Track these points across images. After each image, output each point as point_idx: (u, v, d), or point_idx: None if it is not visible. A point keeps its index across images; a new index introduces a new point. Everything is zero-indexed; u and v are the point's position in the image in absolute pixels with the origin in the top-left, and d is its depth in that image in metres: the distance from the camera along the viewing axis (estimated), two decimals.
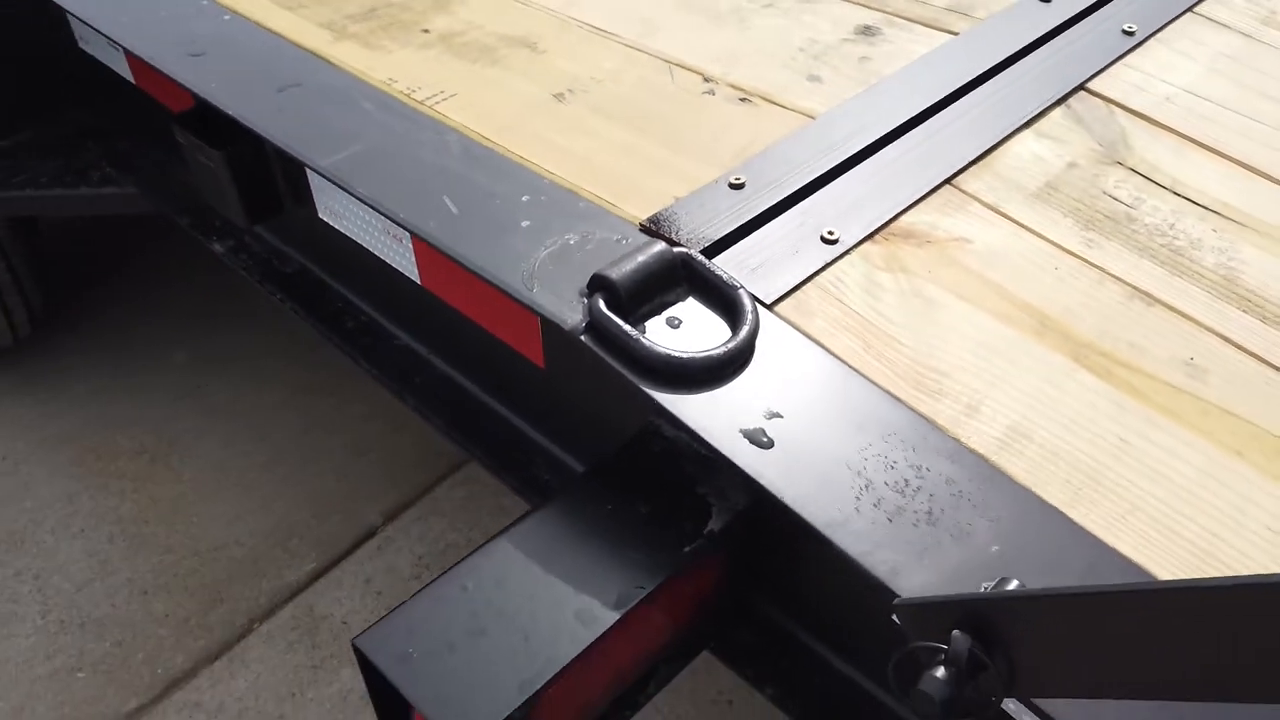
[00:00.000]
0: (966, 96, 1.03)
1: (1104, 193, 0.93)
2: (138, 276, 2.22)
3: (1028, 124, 1.00)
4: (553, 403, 0.99)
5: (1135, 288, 0.84)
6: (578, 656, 0.69)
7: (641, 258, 0.78)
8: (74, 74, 1.41)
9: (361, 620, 1.62)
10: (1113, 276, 0.85)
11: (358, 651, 0.71)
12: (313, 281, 1.25)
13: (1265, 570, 0.67)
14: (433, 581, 0.74)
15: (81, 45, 1.30)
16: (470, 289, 0.90)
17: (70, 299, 2.11)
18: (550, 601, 0.72)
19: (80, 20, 1.20)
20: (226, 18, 1.17)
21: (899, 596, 0.63)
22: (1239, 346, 0.81)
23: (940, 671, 0.57)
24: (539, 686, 0.67)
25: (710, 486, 0.78)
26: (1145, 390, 0.76)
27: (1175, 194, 0.94)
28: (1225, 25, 1.17)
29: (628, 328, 0.74)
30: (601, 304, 0.75)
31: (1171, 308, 0.83)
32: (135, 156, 1.49)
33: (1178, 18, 1.16)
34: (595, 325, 0.75)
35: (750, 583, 0.84)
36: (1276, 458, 0.73)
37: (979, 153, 0.95)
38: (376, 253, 1.03)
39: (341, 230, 1.09)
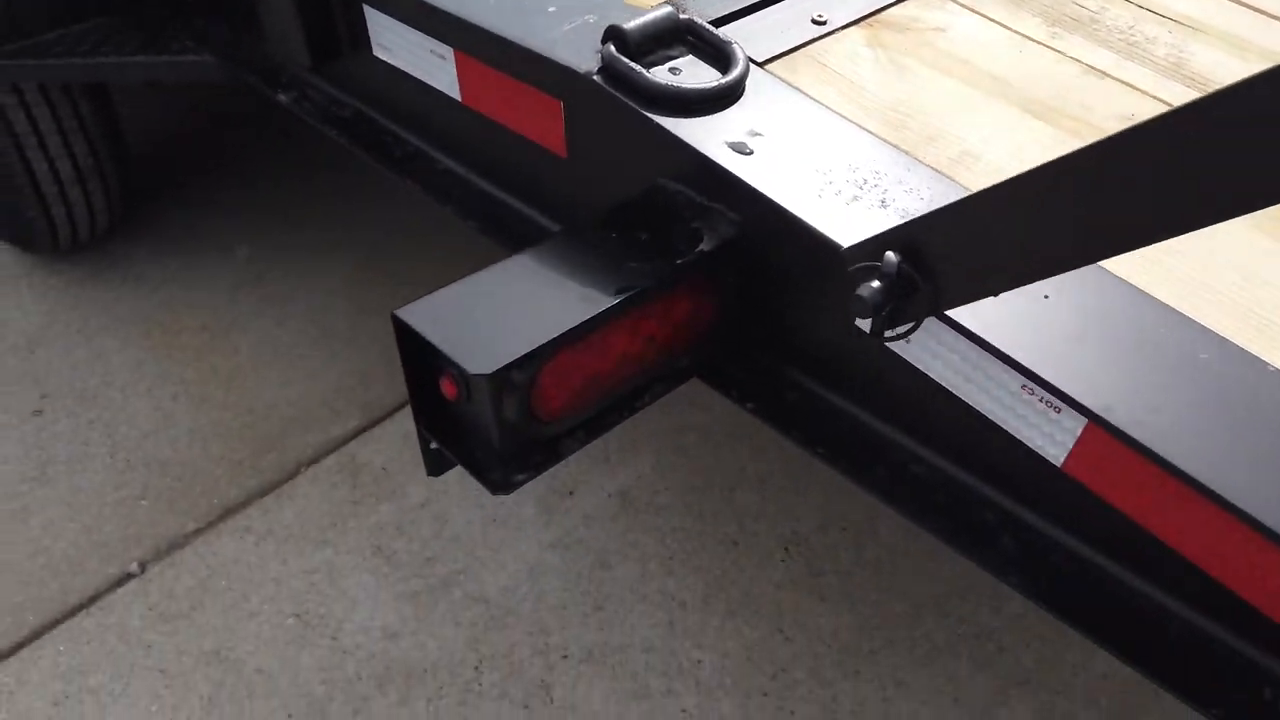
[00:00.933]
0: None
1: (1073, 1, 1.03)
2: (207, 179, 2.39)
3: None
4: (572, 195, 1.11)
5: (1091, 66, 0.94)
6: (577, 326, 0.81)
7: (650, 16, 0.90)
8: None
9: (399, 466, 1.76)
10: (1071, 59, 0.95)
11: (396, 322, 0.84)
12: (366, 121, 1.39)
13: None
14: (449, 291, 0.87)
15: None
16: (501, 93, 1.04)
17: (144, 197, 2.28)
18: (560, 291, 0.84)
19: None
20: None
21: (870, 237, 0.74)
22: None
23: (875, 283, 0.68)
24: (543, 342, 0.80)
25: (704, 222, 0.90)
26: (1086, 135, 0.86)
27: (1139, 6, 1.04)
28: None
29: (634, 65, 0.86)
30: (613, 48, 0.88)
31: (1122, 81, 0.93)
32: (210, 32, 1.65)
33: None
34: (607, 67, 0.88)
35: (736, 324, 0.96)
36: None
37: None
38: (423, 78, 1.17)
39: (393, 63, 1.23)
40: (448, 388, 0.83)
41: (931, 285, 0.67)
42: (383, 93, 1.35)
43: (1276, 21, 1.04)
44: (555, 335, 0.80)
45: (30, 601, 1.55)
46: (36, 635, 1.51)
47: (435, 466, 0.93)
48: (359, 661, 1.48)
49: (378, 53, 1.26)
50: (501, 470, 0.85)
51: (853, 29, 0.97)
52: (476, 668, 1.47)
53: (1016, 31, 0.98)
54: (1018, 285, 0.64)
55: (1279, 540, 0.60)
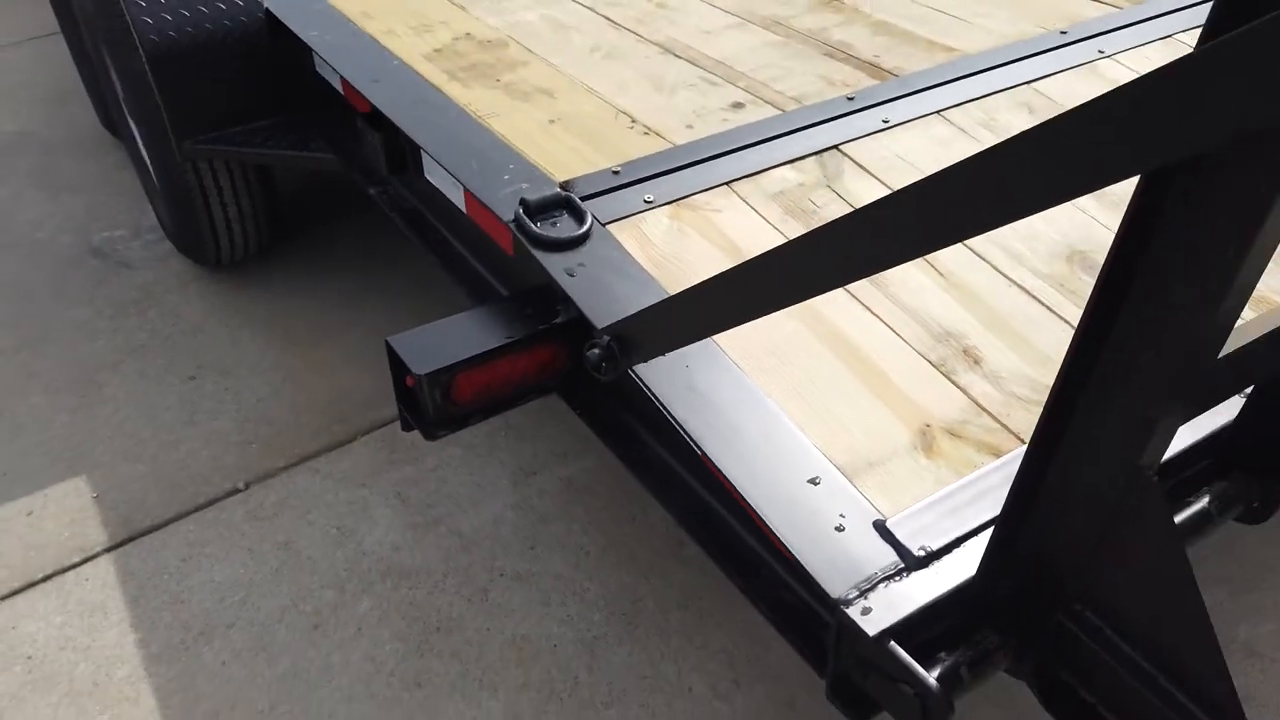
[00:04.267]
0: (767, 143, 1.85)
1: (809, 199, 1.74)
2: (332, 228, 3.27)
3: (790, 162, 1.82)
4: (513, 273, 1.86)
5: None
6: (480, 354, 1.55)
7: (548, 193, 1.65)
8: (311, 84, 2.41)
9: (423, 442, 2.53)
10: (785, 236, 1.66)
11: (387, 344, 1.60)
12: (417, 214, 2.19)
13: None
14: (418, 329, 1.62)
15: (317, 69, 2.30)
16: (481, 212, 1.80)
17: (286, 233, 3.16)
18: (479, 332, 1.59)
19: (317, 54, 2.19)
20: (394, 63, 2.14)
21: (602, 327, 1.45)
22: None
23: (596, 350, 1.41)
24: (459, 360, 1.54)
25: (563, 306, 1.63)
26: None
27: (850, 205, 1.73)
28: (954, 123, 1.95)
29: (527, 219, 1.61)
30: (520, 211, 1.63)
31: None
32: (336, 138, 2.48)
33: (924, 116, 1.95)
34: (517, 220, 1.63)
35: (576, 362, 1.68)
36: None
37: (754, 170, 1.78)
38: (448, 194, 1.94)
39: (434, 183, 2.01)
40: (408, 381, 1.59)
41: (625, 353, 1.39)
42: (429, 198, 2.13)
43: None
44: (466, 357, 1.55)
45: (175, 500, 2.39)
46: (177, 519, 2.35)
47: (405, 425, 1.69)
48: (371, 560, 2.25)
49: (427, 176, 2.05)
50: (432, 428, 1.60)
51: (666, 207, 1.69)
52: (444, 575, 2.22)
53: (763, 217, 1.68)
54: (665, 353, 1.35)
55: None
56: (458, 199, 1.87)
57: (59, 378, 2.74)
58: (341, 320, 2.94)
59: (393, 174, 2.15)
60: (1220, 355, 0.97)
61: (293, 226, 3.25)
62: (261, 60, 2.39)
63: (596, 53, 2.18)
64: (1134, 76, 0.67)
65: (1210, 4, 0.74)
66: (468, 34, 2.24)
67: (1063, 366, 0.93)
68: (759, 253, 1.07)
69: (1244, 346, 1.01)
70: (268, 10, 2.33)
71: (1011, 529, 1.06)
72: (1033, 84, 2.05)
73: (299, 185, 3.42)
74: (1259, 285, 0.84)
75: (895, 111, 1.95)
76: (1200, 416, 1.34)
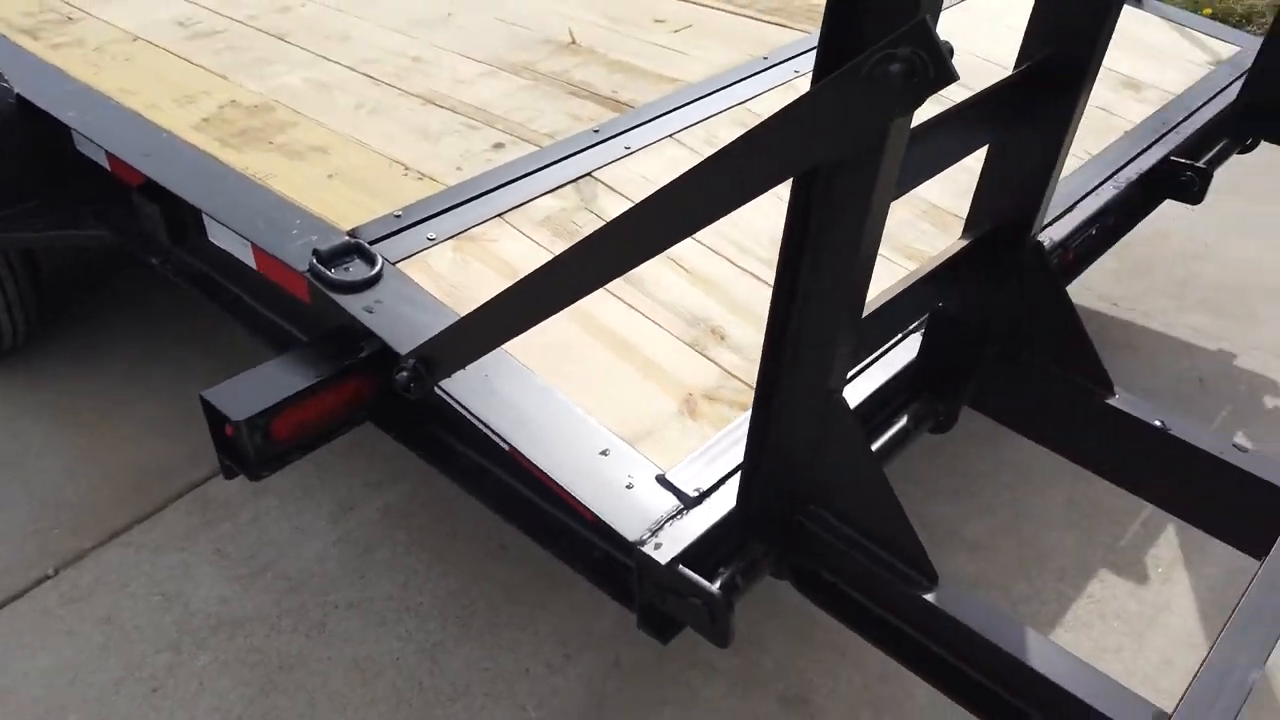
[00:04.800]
0: (529, 176, 2.10)
1: (572, 221, 2.00)
2: (101, 306, 3.22)
3: (551, 191, 2.07)
4: (313, 319, 2.01)
5: None
6: (292, 395, 1.70)
7: (337, 241, 1.82)
8: (73, 164, 2.43)
9: (237, 498, 2.59)
10: (550, 252, 1.91)
11: (202, 398, 1.71)
12: (204, 277, 2.27)
13: None
14: (230, 381, 1.74)
15: (79, 148, 2.33)
16: (274, 266, 1.93)
17: (54, 318, 3.10)
18: (289, 375, 1.73)
19: (78, 134, 2.24)
20: (163, 135, 2.22)
21: (405, 353, 1.64)
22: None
23: (404, 373, 1.59)
24: (272, 403, 1.68)
25: (366, 342, 1.80)
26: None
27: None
28: (685, 144, 2.28)
29: (321, 267, 1.77)
30: (314, 260, 1.79)
31: None
32: (106, 213, 2.50)
33: (659, 140, 2.26)
34: (312, 268, 1.79)
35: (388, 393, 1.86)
36: None
37: (521, 201, 2.03)
38: (237, 254, 2.06)
39: (219, 245, 2.12)
40: (228, 430, 1.70)
41: (430, 372, 1.59)
42: (217, 261, 2.22)
43: None
44: (280, 399, 1.69)
45: None
46: None
47: (228, 473, 1.80)
48: (201, 618, 2.30)
49: (213, 239, 2.15)
50: (256, 470, 1.72)
51: (448, 242, 1.90)
52: (279, 617, 2.31)
53: (534, 240, 1.93)
54: (464, 366, 1.55)
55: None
56: (248, 258, 1.99)
57: None
58: (129, 394, 2.93)
59: (175, 243, 2.22)
60: (868, 311, 1.30)
61: (63, 307, 3.19)
62: (16, 145, 2.39)
63: (362, 109, 2.35)
64: None
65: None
66: (233, 101, 2.36)
67: (767, 327, 1.22)
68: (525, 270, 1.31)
69: (884, 304, 1.36)
70: (19, 95, 2.35)
71: (753, 457, 1.35)
72: (745, 104, 2.42)
73: (65, 264, 3.34)
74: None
75: (634, 139, 2.25)
76: (890, 357, 1.71)
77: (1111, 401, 1.57)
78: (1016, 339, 1.61)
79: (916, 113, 0.98)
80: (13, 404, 2.90)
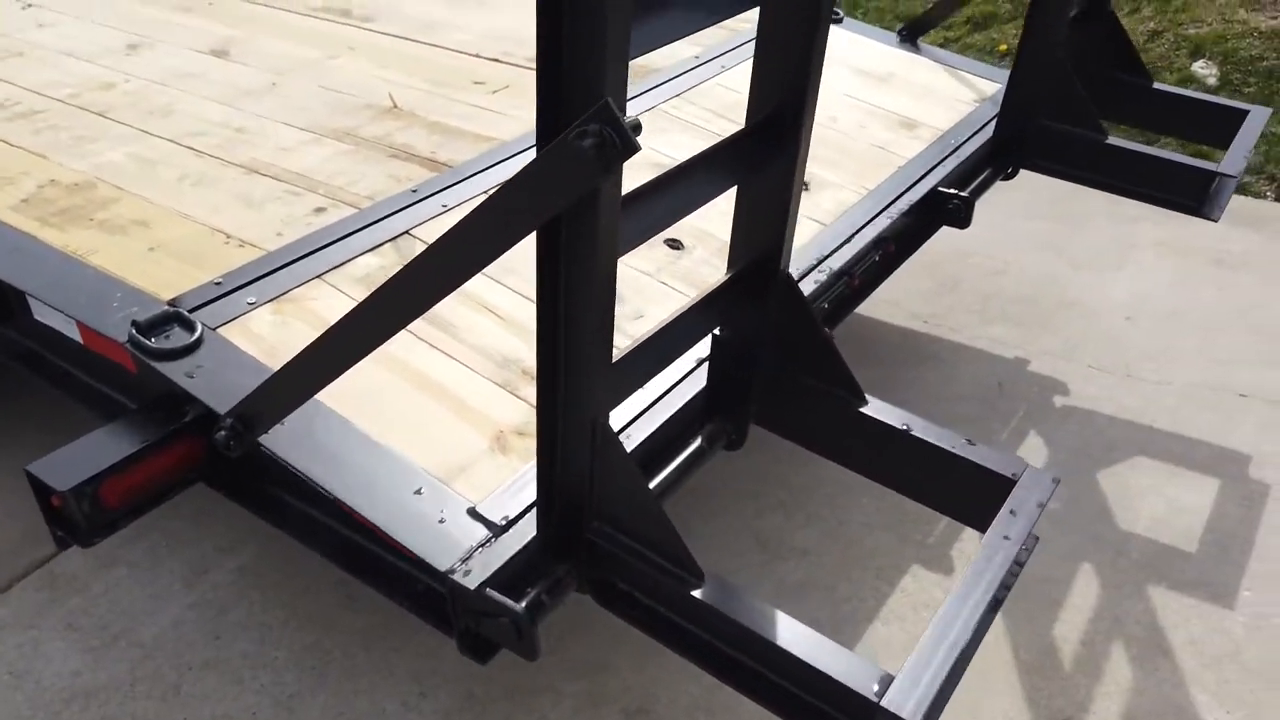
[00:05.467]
0: (349, 237, 2.23)
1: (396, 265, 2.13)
2: None
3: (370, 250, 2.20)
4: (141, 387, 2.07)
5: None
6: (117, 462, 1.77)
7: (156, 311, 1.91)
8: None
9: (87, 572, 2.60)
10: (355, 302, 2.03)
11: (27, 472, 1.76)
12: (34, 353, 2.31)
13: None
14: (55, 453, 1.80)
15: None
16: (96, 339, 2.00)
17: None
18: (116, 442, 1.79)
19: None
20: None
21: (226, 414, 1.74)
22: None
23: (223, 433, 1.69)
24: (97, 471, 1.74)
25: (191, 406, 1.88)
26: None
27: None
28: None
29: (140, 337, 1.85)
30: (133, 331, 1.87)
31: None
32: None
33: (474, 197, 2.42)
34: (132, 339, 1.87)
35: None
36: None
37: (341, 261, 2.15)
38: (63, 331, 2.11)
39: (45, 321, 2.16)
40: (55, 501, 1.76)
41: (249, 429, 1.69)
42: (43, 338, 2.26)
43: None
44: (105, 467, 1.75)
45: None
46: None
47: (60, 544, 1.85)
48: (53, 692, 2.31)
49: (37, 317, 2.19)
50: (86, 538, 1.78)
51: (268, 304, 2.01)
52: (132, 684, 2.33)
53: (352, 299, 2.05)
54: (281, 419, 1.66)
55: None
56: (73, 333, 2.06)
57: None
58: None
59: (2, 323, 2.26)
60: (649, 336, 1.48)
61: None
62: None
63: (186, 181, 2.44)
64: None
65: None
66: (52, 181, 2.41)
67: (538, 362, 1.38)
68: None
69: (661, 329, 1.54)
70: None
71: (544, 483, 1.51)
72: None
73: None
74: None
75: (451, 196, 2.40)
76: (684, 385, 1.90)
77: (864, 410, 1.78)
78: (780, 360, 1.82)
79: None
80: None
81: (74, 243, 2.17)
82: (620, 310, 1.94)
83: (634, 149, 1.08)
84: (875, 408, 1.79)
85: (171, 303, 1.97)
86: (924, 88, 3.26)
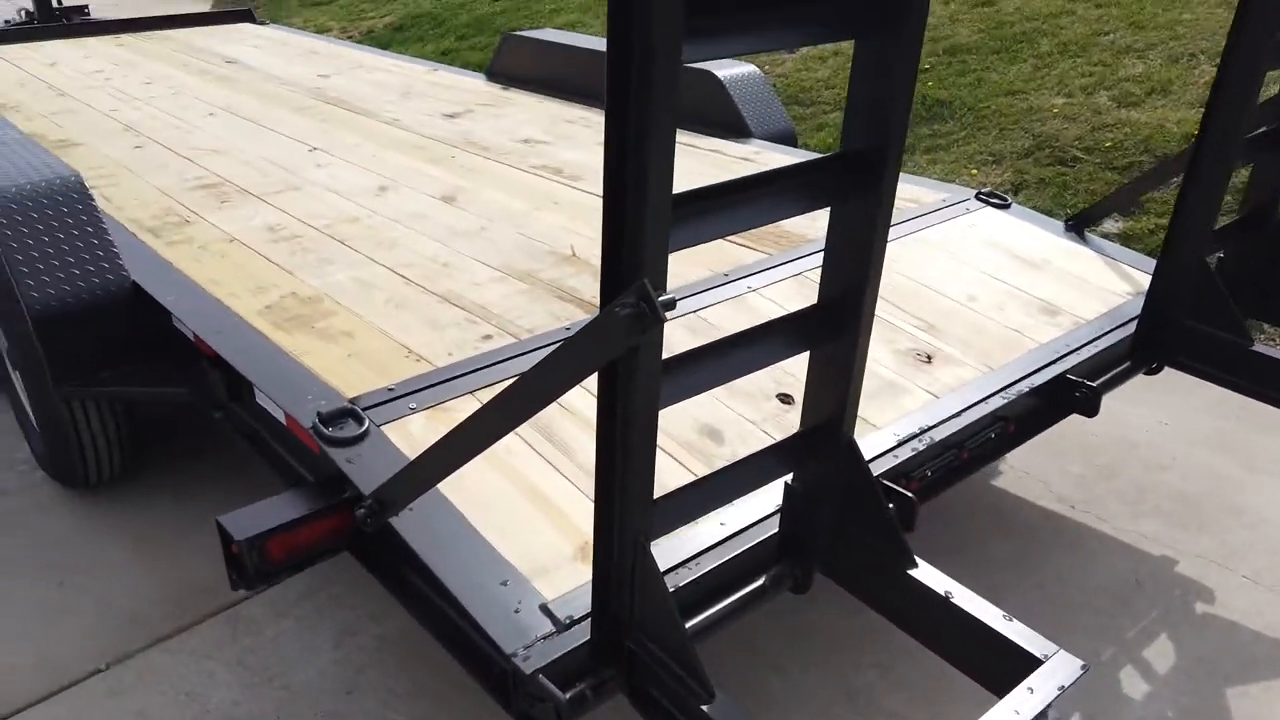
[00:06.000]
0: (504, 362, 2.62)
1: None
2: (182, 452, 3.85)
3: (516, 375, 2.58)
4: (319, 465, 2.51)
5: None
6: (284, 523, 2.18)
7: (336, 407, 2.35)
8: (169, 336, 3.08)
9: (268, 609, 3.06)
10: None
11: (217, 523, 2.21)
12: (251, 427, 2.84)
13: None
14: (241, 509, 2.24)
15: (175, 325, 2.98)
16: (294, 425, 2.47)
17: (142, 455, 3.73)
18: (282, 509, 2.22)
19: (174, 315, 2.89)
20: (233, 318, 2.85)
21: (368, 495, 2.11)
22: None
23: (363, 510, 2.07)
24: (269, 528, 2.16)
25: (349, 486, 2.29)
26: None
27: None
28: None
29: (321, 426, 2.29)
30: (316, 420, 2.31)
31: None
32: (186, 375, 3.13)
33: None
34: (314, 426, 2.31)
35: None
36: None
37: (494, 381, 2.53)
38: (274, 413, 2.61)
39: (263, 404, 2.68)
40: (234, 548, 2.19)
41: (383, 510, 2.06)
42: (259, 416, 2.79)
43: None
44: (274, 526, 2.18)
45: (42, 684, 2.83)
46: (41, 700, 2.78)
47: (233, 584, 2.27)
48: (215, 715, 2.73)
49: (258, 400, 2.72)
50: (252, 582, 2.19)
51: (425, 411, 2.41)
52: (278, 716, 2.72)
53: None
54: (409, 503, 2.02)
55: None
56: (280, 416, 2.55)
57: None
58: (189, 525, 3.48)
59: (231, 401, 2.82)
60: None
61: (154, 450, 3.82)
62: (129, 318, 3.06)
63: (390, 303, 2.96)
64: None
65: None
66: (293, 293, 2.99)
67: (595, 483, 1.66)
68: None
69: (685, 486, 1.78)
70: (134, 281, 3.04)
71: (598, 594, 1.75)
72: (699, 312, 2.92)
73: (158, 415, 4.02)
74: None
75: None
76: (757, 527, 2.10)
77: (911, 571, 1.91)
78: (843, 517, 1.98)
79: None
80: (100, 526, 3.49)
81: (294, 344, 2.69)
82: (719, 450, 2.21)
83: (662, 320, 1.36)
84: (922, 571, 1.91)
85: (351, 401, 2.42)
86: (1077, 276, 3.34)
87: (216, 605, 3.13)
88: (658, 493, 1.68)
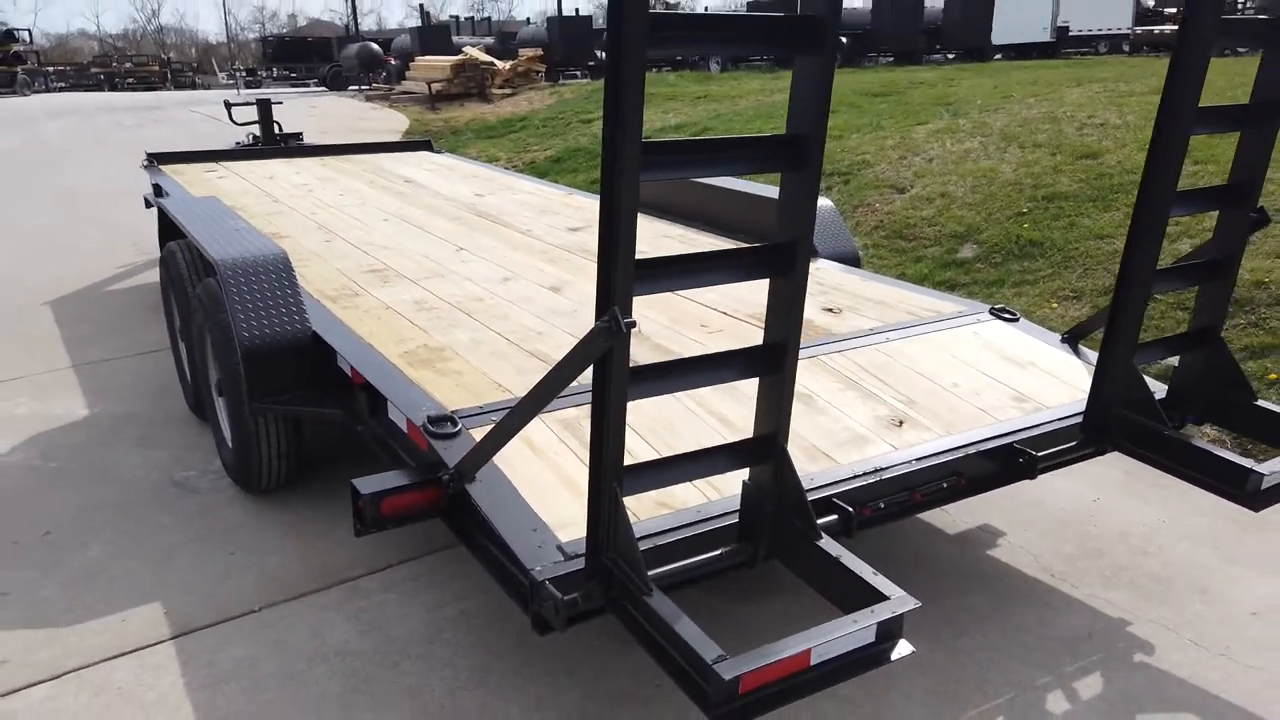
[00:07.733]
0: (566, 397, 3.53)
1: (579, 424, 3.38)
2: (326, 466, 4.92)
3: (575, 407, 3.47)
4: (422, 456, 3.44)
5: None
6: (394, 487, 3.11)
7: (439, 414, 3.30)
8: (333, 371, 4.15)
9: (391, 593, 3.98)
10: (563, 443, 3.27)
11: (351, 485, 3.15)
12: (383, 438, 3.82)
13: None
14: (368, 477, 3.20)
15: (338, 363, 4.05)
16: (412, 430, 3.43)
17: (307, 467, 4.81)
18: (396, 478, 3.15)
19: (340, 355, 3.96)
20: (379, 359, 3.88)
21: (452, 467, 3.02)
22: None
23: (445, 475, 2.98)
24: (383, 489, 3.09)
25: (444, 470, 3.20)
26: None
27: None
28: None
29: (430, 426, 3.24)
30: (425, 422, 3.26)
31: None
32: (342, 399, 4.19)
33: None
34: (424, 426, 3.26)
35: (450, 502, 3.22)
36: None
37: (555, 409, 3.44)
38: (398, 424, 3.59)
39: (393, 420, 3.67)
40: (360, 503, 3.13)
41: (460, 477, 2.96)
42: (388, 427, 3.76)
43: None
44: (387, 488, 3.10)
45: (211, 614, 3.83)
46: (212, 625, 3.77)
47: (356, 531, 3.20)
48: (334, 644, 3.63)
49: (390, 417, 3.71)
50: (365, 529, 3.11)
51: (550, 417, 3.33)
52: (375, 651, 3.60)
53: (551, 431, 3.31)
54: (473, 475, 2.91)
55: None
56: (403, 426, 3.52)
57: (147, 554, 4.27)
58: (336, 522, 4.49)
59: (372, 417, 3.83)
60: (629, 464, 2.57)
61: (312, 467, 4.90)
62: (307, 357, 4.16)
63: (494, 356, 3.94)
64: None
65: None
66: (425, 344, 4.03)
67: (590, 445, 2.51)
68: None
69: (653, 460, 2.61)
70: (314, 331, 4.15)
71: (590, 530, 2.58)
72: None
73: (317, 440, 5.12)
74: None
75: None
76: (727, 516, 2.89)
77: (818, 543, 2.65)
78: (780, 511, 2.75)
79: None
80: (266, 519, 4.54)
81: (419, 376, 3.70)
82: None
83: (625, 333, 2.24)
84: (825, 542, 2.65)
85: (453, 412, 3.37)
86: (1055, 376, 4.00)
87: (342, 578, 4.09)
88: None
